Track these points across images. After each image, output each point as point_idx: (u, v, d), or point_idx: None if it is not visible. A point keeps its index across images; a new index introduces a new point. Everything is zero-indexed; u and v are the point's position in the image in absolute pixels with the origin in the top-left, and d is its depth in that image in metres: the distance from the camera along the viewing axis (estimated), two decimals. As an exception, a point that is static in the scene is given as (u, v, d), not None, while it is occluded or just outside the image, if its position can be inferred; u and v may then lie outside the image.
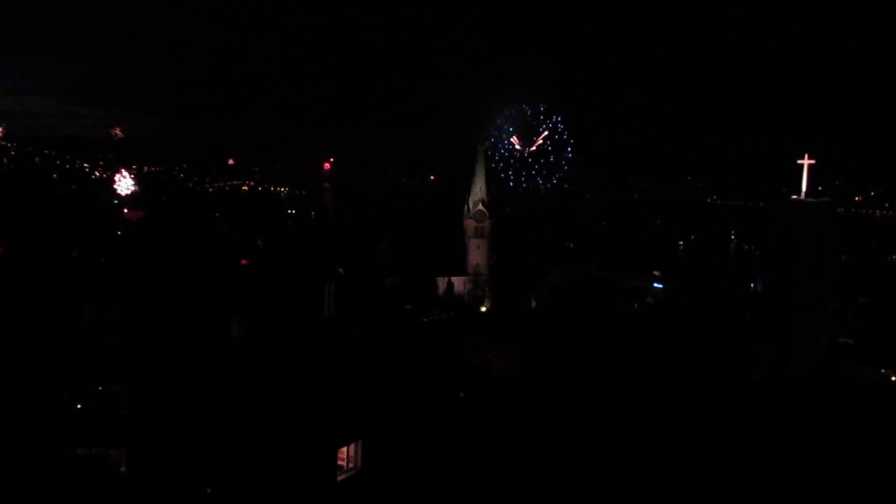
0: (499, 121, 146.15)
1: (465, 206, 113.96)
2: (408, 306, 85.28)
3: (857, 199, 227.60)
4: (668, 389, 52.97)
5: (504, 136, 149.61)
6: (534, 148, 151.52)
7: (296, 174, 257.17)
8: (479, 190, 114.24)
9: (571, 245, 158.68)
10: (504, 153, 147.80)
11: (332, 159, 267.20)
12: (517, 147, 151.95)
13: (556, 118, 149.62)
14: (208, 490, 35.00)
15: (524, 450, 41.96)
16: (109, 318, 37.96)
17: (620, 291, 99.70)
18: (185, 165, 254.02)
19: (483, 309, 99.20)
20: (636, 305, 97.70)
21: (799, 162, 75.23)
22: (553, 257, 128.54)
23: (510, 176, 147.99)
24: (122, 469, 35.81)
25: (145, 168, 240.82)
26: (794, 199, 75.65)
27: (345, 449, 37.40)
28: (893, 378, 71.27)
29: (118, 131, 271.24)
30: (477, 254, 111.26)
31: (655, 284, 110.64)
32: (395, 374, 40.63)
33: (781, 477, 42.05)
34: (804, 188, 74.54)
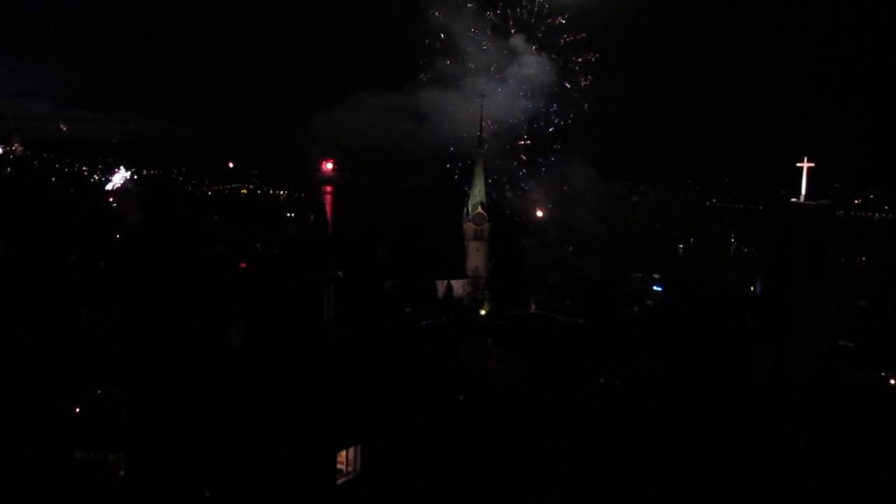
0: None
1: (465, 209, 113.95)
2: (407, 309, 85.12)
3: (856, 201, 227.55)
4: (668, 392, 52.88)
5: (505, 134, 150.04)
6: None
7: (295, 177, 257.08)
8: (478, 193, 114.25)
9: (571, 248, 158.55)
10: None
11: (332, 162, 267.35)
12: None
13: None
14: (207, 494, 34.90)
15: (524, 453, 41.86)
16: (108, 321, 37.83)
17: (620, 294, 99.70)
18: (184, 168, 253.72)
19: (482, 312, 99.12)
20: (636, 308, 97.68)
21: (798, 165, 75.27)
22: (552, 260, 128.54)
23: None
24: (121, 473, 35.72)
25: (144, 171, 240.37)
26: (794, 201, 75.69)
27: (344, 452, 37.32)
28: (893, 381, 71.19)
29: (117, 140, 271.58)
30: (476, 257, 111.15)
31: (655, 287, 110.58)
32: (395, 378, 40.54)
33: (781, 480, 41.97)
34: (803, 191, 74.56)
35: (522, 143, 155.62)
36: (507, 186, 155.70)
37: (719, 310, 79.46)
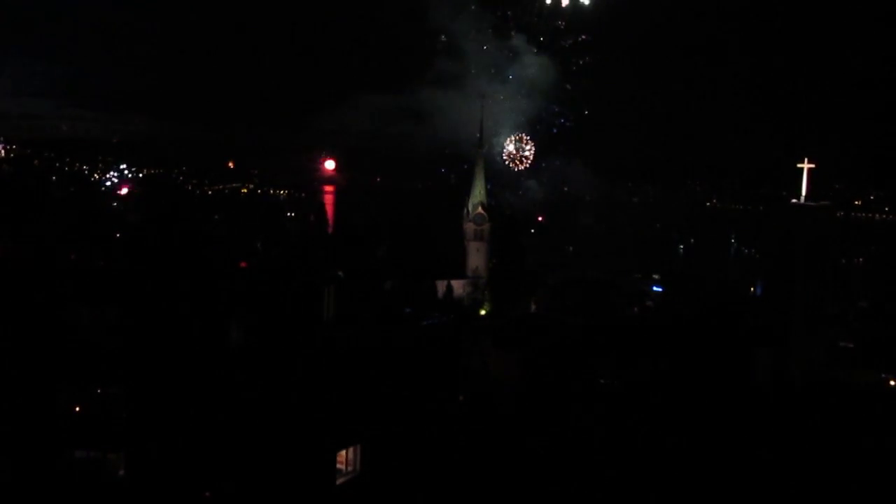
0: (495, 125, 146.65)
1: (465, 209, 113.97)
2: (407, 309, 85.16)
3: (856, 202, 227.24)
4: (668, 393, 52.88)
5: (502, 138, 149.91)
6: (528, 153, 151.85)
7: (295, 177, 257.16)
8: (478, 193, 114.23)
9: (571, 248, 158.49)
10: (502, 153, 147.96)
11: (332, 162, 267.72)
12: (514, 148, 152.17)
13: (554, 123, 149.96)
14: (207, 494, 34.89)
15: (524, 454, 41.86)
16: (108, 320, 37.86)
17: (620, 295, 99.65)
18: (184, 168, 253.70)
19: (482, 312, 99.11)
20: (636, 309, 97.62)
21: (799, 165, 75.11)
22: (552, 260, 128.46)
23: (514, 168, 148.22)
24: (121, 472, 35.71)
25: (145, 170, 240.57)
26: (794, 202, 75.50)
27: (344, 452, 37.29)
28: (893, 382, 71.16)
29: (117, 140, 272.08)
30: (476, 257, 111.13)
31: (655, 288, 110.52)
32: (395, 378, 40.52)
33: (781, 482, 41.96)
34: (804, 192, 74.40)
35: (523, 143, 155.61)
36: (507, 187, 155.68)
37: (719, 310, 79.34)
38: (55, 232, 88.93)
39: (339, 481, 36.91)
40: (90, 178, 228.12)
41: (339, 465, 37.23)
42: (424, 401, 41.98)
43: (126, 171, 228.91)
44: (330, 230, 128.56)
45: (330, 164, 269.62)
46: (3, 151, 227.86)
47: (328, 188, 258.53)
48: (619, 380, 56.82)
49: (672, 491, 40.30)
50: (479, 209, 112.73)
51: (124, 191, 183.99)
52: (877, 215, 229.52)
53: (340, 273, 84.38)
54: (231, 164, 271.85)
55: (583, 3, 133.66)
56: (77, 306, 37.70)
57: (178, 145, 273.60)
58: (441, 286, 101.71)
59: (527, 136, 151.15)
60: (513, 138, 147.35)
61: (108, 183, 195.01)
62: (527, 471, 40.48)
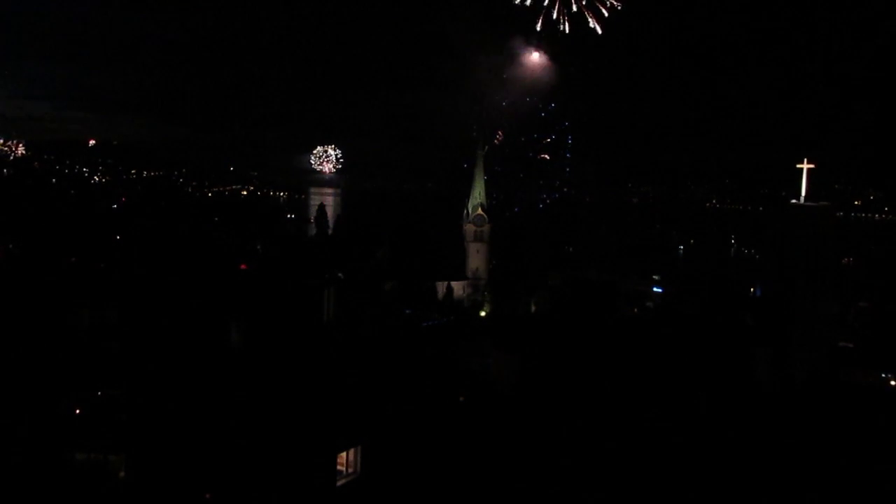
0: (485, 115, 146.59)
1: (465, 211, 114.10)
2: (407, 311, 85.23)
3: (856, 202, 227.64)
4: (668, 394, 52.88)
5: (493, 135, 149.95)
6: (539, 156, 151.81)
7: (295, 178, 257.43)
8: (478, 194, 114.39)
9: (571, 249, 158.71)
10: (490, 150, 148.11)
11: (332, 163, 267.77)
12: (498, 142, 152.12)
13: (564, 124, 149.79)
14: (207, 496, 34.94)
15: (524, 454, 41.87)
16: (109, 322, 37.97)
17: (620, 296, 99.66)
18: (184, 170, 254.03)
19: (482, 313, 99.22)
20: (636, 310, 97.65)
21: (798, 166, 75.20)
22: (552, 261, 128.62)
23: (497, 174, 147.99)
24: (122, 474, 35.78)
25: (144, 173, 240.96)
26: (794, 203, 75.58)
27: (344, 454, 37.35)
28: (893, 382, 71.15)
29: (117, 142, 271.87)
30: (476, 258, 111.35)
31: (655, 289, 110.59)
32: (395, 379, 40.58)
33: (781, 481, 41.98)
34: (803, 192, 74.48)
35: (523, 143, 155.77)
36: (507, 187, 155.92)
37: (720, 311, 79.31)
38: (55, 234, 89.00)
39: (340, 482, 36.97)
40: (90, 180, 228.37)
41: (339, 467, 37.27)
42: (424, 402, 42.04)
43: (126, 174, 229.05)
44: (330, 232, 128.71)
45: (329, 166, 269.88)
46: (21, 151, 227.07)
47: (328, 189, 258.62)
48: (619, 380, 56.84)
49: (673, 491, 40.31)
50: (479, 210, 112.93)
51: (124, 193, 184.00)
52: (877, 215, 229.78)
53: (341, 275, 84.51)
54: (231, 167, 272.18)
55: (595, 30, 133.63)
56: (78, 308, 37.81)
57: (179, 148, 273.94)
58: (441, 287, 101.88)
59: (526, 135, 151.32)
60: (501, 134, 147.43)
61: (109, 185, 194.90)
62: (527, 471, 40.50)
